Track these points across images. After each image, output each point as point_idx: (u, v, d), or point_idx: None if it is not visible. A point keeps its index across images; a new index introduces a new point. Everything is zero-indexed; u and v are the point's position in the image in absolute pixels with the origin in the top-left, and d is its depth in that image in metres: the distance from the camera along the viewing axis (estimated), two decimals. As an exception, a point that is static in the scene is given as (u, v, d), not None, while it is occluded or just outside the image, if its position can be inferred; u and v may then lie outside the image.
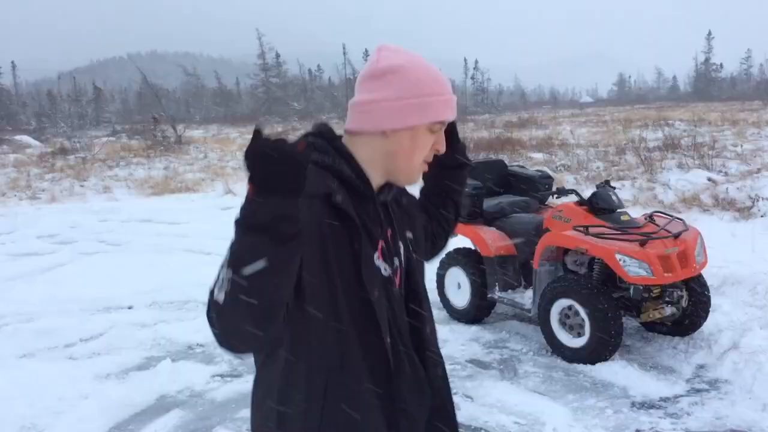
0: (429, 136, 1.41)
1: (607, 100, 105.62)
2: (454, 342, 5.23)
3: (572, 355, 4.70)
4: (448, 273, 5.85)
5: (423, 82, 1.37)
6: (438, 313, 5.89)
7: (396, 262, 1.46)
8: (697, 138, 14.57)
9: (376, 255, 1.40)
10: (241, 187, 14.58)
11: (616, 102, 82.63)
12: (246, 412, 4.03)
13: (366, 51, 69.15)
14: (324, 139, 1.42)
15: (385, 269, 1.42)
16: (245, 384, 4.49)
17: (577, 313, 4.67)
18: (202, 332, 5.50)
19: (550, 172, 8.98)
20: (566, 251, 5.07)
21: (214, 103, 78.39)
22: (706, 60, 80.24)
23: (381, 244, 1.42)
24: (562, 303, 4.75)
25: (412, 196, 1.67)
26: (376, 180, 1.44)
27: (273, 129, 37.94)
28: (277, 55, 60.80)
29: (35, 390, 4.42)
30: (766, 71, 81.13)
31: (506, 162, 6.54)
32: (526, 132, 23.54)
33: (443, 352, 1.63)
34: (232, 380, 4.59)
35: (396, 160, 1.41)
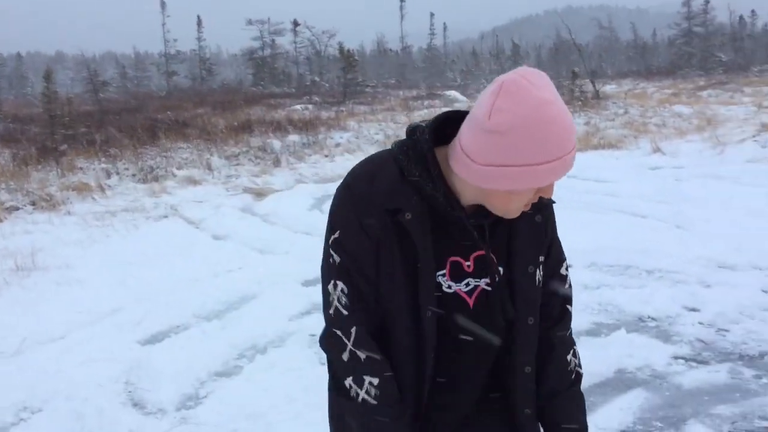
0: (528, 191, 1.26)
1: None
2: None
3: None
4: None
5: (526, 149, 1.18)
6: None
7: (474, 282, 1.39)
8: None
9: (443, 272, 1.37)
10: (669, 146, 13.48)
11: None
12: (724, 409, 3.50)
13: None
14: (416, 149, 1.34)
15: (449, 286, 1.38)
16: (715, 374, 3.92)
17: None
18: (652, 304, 5.07)
19: None
20: None
21: (627, 57, 75.18)
22: None
23: (451, 261, 1.38)
24: None
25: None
26: (468, 198, 1.34)
27: (694, 83, 34.65)
28: (706, 1, 54.93)
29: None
30: None
31: None
32: None
33: None
34: (698, 366, 4.05)
35: (490, 201, 1.30)
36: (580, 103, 22.60)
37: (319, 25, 68.79)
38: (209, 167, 13.28)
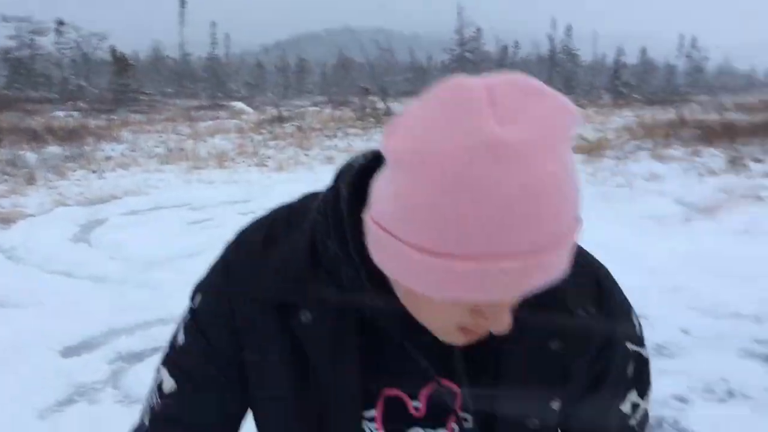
0: (457, 309, 0.71)
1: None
2: None
3: None
4: None
5: (458, 219, 0.61)
6: None
7: None
8: None
9: (372, 414, 0.84)
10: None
11: None
12: None
13: (569, 26, 65.41)
14: (336, 211, 0.78)
15: None
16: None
17: None
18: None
19: None
20: None
21: (405, 78, 78.86)
22: None
23: (387, 396, 0.84)
24: None
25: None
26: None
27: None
28: (478, 30, 59.09)
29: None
30: None
31: None
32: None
33: None
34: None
35: (410, 307, 0.75)
36: (372, 120, 22.35)
37: (87, 26, 63.12)
38: (-64, 185, 10.48)
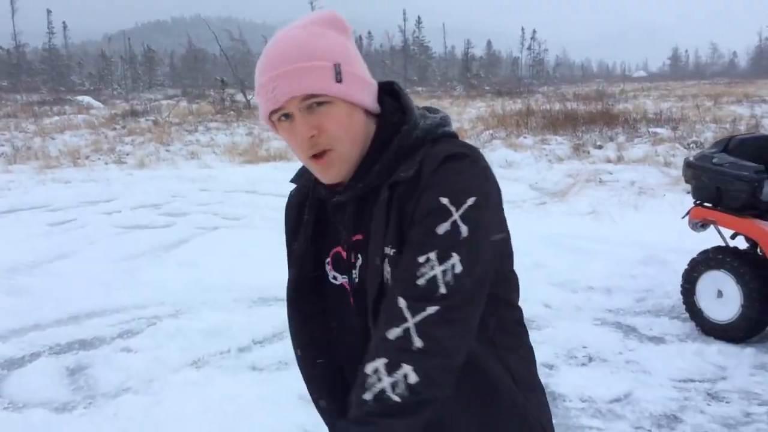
0: (284, 126, 1.14)
1: (659, 75, 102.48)
2: (737, 370, 4.05)
3: None
4: (703, 277, 4.65)
5: (258, 68, 1.15)
6: (683, 325, 4.76)
7: (353, 274, 1.21)
8: None
9: (328, 260, 1.26)
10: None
11: (670, 77, 79.93)
12: None
13: (419, 19, 67.40)
14: None
15: (334, 277, 1.25)
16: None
17: None
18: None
19: None
20: None
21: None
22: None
23: (333, 252, 1.25)
24: None
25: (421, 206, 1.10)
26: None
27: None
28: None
29: (236, 421, 3.41)
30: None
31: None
32: (600, 105, 21.67)
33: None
34: None
35: (296, 153, 1.20)
36: (233, 113, 21.91)
37: None
38: None
